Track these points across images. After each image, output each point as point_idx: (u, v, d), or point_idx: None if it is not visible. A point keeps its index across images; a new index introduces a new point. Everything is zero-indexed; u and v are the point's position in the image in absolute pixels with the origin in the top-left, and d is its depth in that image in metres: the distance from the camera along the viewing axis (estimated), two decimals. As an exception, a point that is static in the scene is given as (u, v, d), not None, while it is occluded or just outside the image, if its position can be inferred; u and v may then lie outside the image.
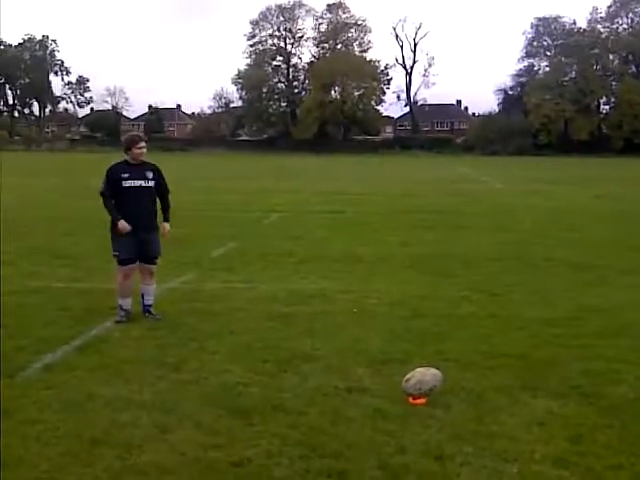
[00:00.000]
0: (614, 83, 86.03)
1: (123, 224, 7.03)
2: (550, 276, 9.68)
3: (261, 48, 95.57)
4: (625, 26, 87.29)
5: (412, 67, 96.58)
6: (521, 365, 5.73)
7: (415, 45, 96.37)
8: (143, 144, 7.17)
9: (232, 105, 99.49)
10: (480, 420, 4.62)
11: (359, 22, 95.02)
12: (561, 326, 6.95)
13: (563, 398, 5.02)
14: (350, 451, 4.14)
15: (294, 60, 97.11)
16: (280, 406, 4.80)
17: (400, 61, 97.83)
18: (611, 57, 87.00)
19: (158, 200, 7.39)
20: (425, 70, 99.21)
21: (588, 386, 5.26)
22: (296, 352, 6.02)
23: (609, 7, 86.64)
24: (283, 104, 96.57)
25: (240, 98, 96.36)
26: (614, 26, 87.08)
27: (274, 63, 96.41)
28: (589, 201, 22.15)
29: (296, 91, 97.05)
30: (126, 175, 7.07)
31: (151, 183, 7.20)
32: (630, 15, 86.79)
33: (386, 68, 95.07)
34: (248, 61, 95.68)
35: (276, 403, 4.86)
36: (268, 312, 7.45)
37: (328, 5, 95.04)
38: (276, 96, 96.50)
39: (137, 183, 7.09)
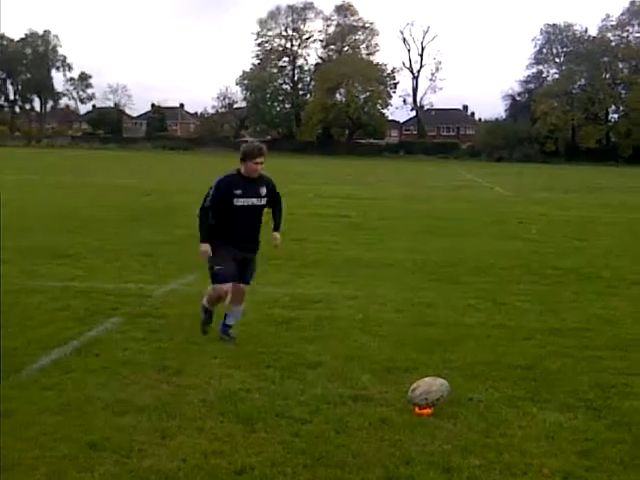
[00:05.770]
0: (623, 92, 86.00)
1: (205, 249, 6.39)
2: (558, 285, 9.63)
3: (268, 48, 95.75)
4: (636, 34, 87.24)
5: (419, 71, 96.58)
6: (529, 376, 5.69)
7: (422, 49, 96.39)
8: (261, 159, 6.38)
9: (235, 106, 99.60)
10: (488, 432, 4.58)
11: (367, 25, 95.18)
12: (570, 337, 6.92)
13: (572, 411, 4.99)
14: (355, 461, 4.10)
15: (300, 61, 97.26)
16: (283, 413, 4.76)
17: (407, 65, 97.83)
18: (620, 65, 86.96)
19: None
20: (432, 74, 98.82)
21: (597, 399, 5.23)
22: (300, 358, 5.98)
23: (622, 15, 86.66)
24: (287, 106, 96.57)
25: (244, 99, 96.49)
26: (624, 34, 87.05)
27: (280, 64, 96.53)
28: (597, 210, 22.11)
29: (301, 93, 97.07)
30: (239, 192, 6.35)
31: (263, 201, 6.54)
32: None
33: (393, 72, 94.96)
34: (254, 61, 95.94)
35: (279, 410, 4.82)
36: (271, 317, 7.41)
37: (337, 7, 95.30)
38: (280, 97, 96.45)
39: (249, 202, 6.41)
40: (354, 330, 6.98)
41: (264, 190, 6.51)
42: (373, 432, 4.52)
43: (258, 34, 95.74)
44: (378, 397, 5.12)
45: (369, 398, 5.10)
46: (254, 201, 6.44)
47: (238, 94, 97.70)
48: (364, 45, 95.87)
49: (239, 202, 6.36)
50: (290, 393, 5.16)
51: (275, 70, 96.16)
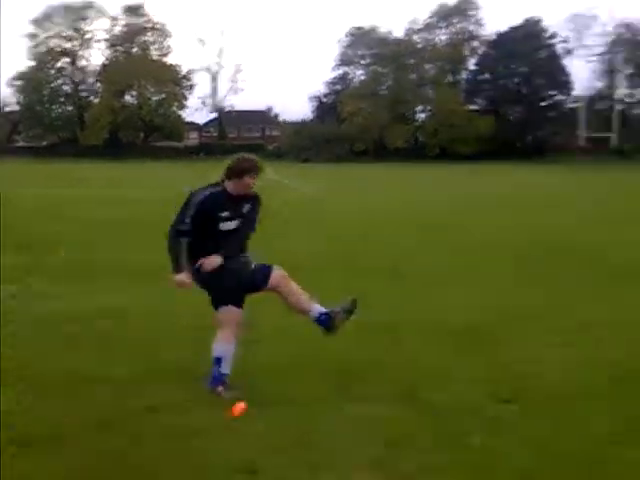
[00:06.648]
0: (430, 92, 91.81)
1: (181, 278, 5.47)
2: (371, 283, 10.03)
3: (44, 49, 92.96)
4: (443, 37, 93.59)
5: (218, 73, 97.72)
6: (337, 370, 5.94)
7: (220, 51, 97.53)
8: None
9: (7, 109, 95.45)
10: (297, 430, 4.72)
11: (157, 26, 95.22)
12: (380, 331, 7.25)
13: (382, 403, 5.25)
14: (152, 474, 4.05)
15: (82, 62, 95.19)
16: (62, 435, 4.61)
17: (204, 67, 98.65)
18: (427, 67, 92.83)
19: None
20: (233, 76, 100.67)
21: (407, 391, 5.52)
22: (83, 374, 5.78)
23: (430, 17, 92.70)
24: (69, 108, 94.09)
25: (17, 102, 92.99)
26: (431, 37, 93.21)
27: (58, 65, 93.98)
28: (399, 207, 23.23)
29: (84, 94, 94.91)
30: (225, 214, 5.61)
31: (243, 221, 5.73)
32: (449, 27, 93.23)
33: (189, 73, 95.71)
34: (29, 63, 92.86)
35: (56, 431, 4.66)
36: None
37: (124, 7, 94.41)
38: (61, 99, 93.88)
39: (234, 225, 5.66)
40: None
41: (247, 207, 5.74)
42: (172, 443, 4.50)
43: (32, 36, 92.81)
44: (172, 405, 5.13)
45: (168, 408, 5.07)
46: (237, 223, 5.69)
47: (11, 97, 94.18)
48: (155, 46, 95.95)
49: (224, 227, 5.64)
50: (72, 412, 5.00)
51: (54, 71, 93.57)
